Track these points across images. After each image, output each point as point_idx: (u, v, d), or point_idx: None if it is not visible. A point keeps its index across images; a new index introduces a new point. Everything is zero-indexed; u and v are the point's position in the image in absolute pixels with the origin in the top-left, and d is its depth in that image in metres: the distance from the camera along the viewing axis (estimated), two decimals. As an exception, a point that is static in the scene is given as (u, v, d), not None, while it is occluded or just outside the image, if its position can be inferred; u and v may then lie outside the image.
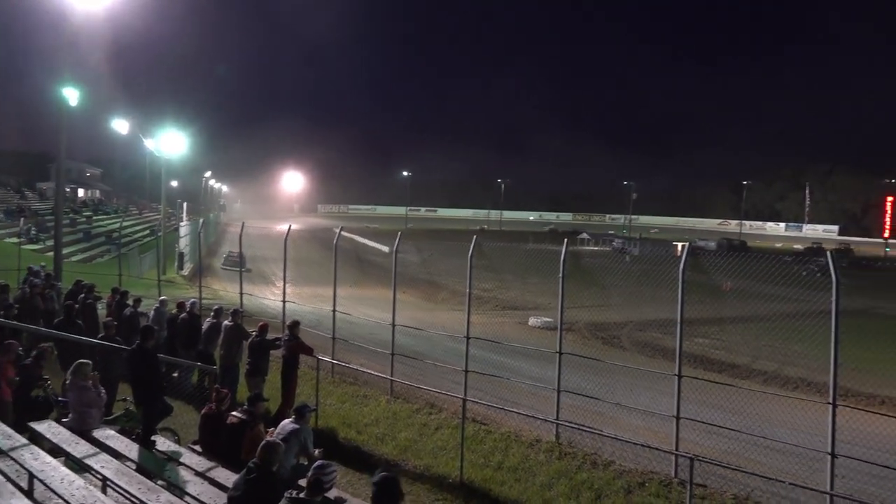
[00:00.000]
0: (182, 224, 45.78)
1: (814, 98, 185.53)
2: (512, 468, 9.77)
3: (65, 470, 6.80)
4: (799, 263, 23.28)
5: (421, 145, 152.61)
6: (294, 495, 5.07)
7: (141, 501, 6.30)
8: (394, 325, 14.22)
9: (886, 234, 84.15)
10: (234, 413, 8.22)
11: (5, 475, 6.75)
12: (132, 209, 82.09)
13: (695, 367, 16.90)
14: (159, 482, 7.03)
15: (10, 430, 7.77)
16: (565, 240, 12.94)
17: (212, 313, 13.42)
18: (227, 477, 7.04)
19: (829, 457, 8.09)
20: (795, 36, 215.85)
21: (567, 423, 10.56)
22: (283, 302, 16.62)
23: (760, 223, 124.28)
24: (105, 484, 6.85)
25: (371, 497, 4.77)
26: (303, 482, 5.78)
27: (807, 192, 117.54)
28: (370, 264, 40.20)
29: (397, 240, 14.83)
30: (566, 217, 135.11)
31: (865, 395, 14.90)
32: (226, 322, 12.63)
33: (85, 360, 9.03)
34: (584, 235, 73.86)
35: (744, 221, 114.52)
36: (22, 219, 42.54)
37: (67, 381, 9.00)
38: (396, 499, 4.65)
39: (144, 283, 25.94)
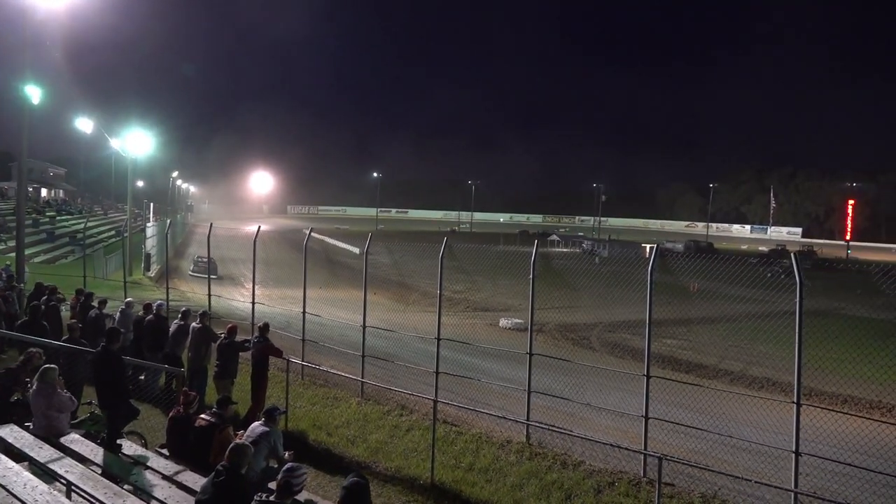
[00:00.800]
0: (149, 225, 45.10)
1: (779, 101, 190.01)
2: (483, 469, 9.79)
3: (27, 475, 6.65)
4: (764, 265, 23.75)
5: (391, 147, 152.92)
6: (264, 498, 5.03)
7: (107, 506, 6.18)
8: (364, 327, 14.15)
9: (848, 237, 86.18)
10: (202, 416, 8.11)
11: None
12: (97, 209, 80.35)
13: (663, 367, 17.11)
14: (125, 486, 6.91)
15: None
16: (535, 241, 12.99)
17: (179, 315, 13.24)
18: (195, 481, 6.92)
19: (793, 455, 8.21)
20: (762, 39, 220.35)
21: (537, 424, 10.61)
22: (253, 304, 16.43)
23: (727, 225, 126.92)
24: (70, 489, 6.67)
25: (338, 500, 4.76)
26: (273, 485, 5.73)
27: (771, 194, 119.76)
28: (340, 266, 40.06)
29: (368, 241, 14.77)
30: (536, 219, 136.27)
31: (829, 395, 15.16)
32: (194, 324, 12.46)
33: (51, 365, 8.83)
34: (555, 237, 74.57)
35: (710, 224, 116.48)
36: (-18, 219, 41.62)
37: (33, 387, 8.80)
38: None
39: (110, 285, 25.51)
